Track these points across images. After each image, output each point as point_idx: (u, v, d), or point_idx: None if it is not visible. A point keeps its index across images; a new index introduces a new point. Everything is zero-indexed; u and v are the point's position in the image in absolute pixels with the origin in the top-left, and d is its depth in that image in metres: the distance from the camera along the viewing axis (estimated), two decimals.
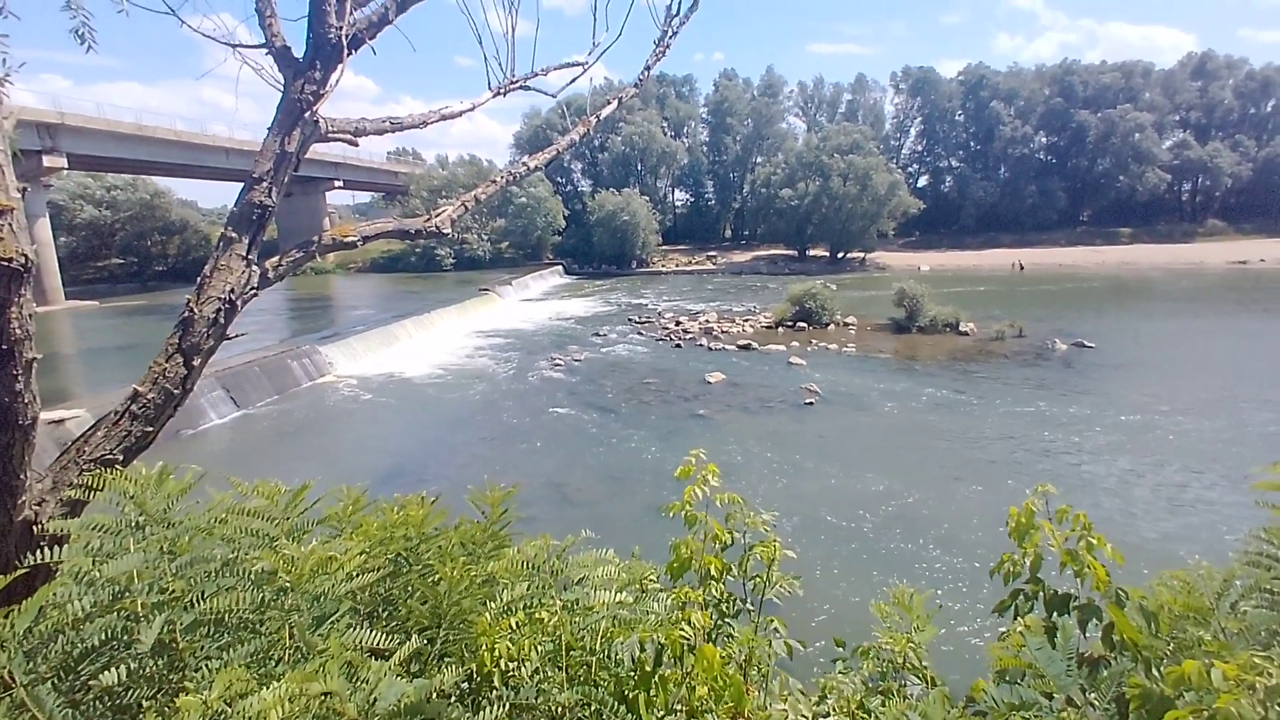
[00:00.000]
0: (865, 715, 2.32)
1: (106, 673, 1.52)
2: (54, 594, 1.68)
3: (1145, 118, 72.81)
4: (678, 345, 28.76)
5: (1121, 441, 15.67)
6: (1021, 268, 59.85)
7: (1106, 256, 64.07)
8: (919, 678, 2.60)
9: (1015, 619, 2.40)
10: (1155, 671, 1.82)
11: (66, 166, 42.14)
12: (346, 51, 2.71)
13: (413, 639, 1.67)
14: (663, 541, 2.99)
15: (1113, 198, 75.20)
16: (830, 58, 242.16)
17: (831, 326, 31.64)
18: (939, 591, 9.16)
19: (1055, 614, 2.31)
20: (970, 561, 10.28)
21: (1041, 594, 2.41)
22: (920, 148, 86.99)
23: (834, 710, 2.38)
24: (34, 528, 2.19)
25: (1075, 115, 75.00)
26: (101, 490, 2.01)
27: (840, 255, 65.21)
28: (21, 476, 2.16)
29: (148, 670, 1.67)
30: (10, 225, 1.93)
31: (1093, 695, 1.63)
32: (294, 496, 2.24)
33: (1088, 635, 2.19)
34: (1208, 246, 65.86)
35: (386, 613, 2.14)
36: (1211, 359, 24.56)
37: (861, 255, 64.99)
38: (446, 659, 1.87)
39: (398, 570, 2.25)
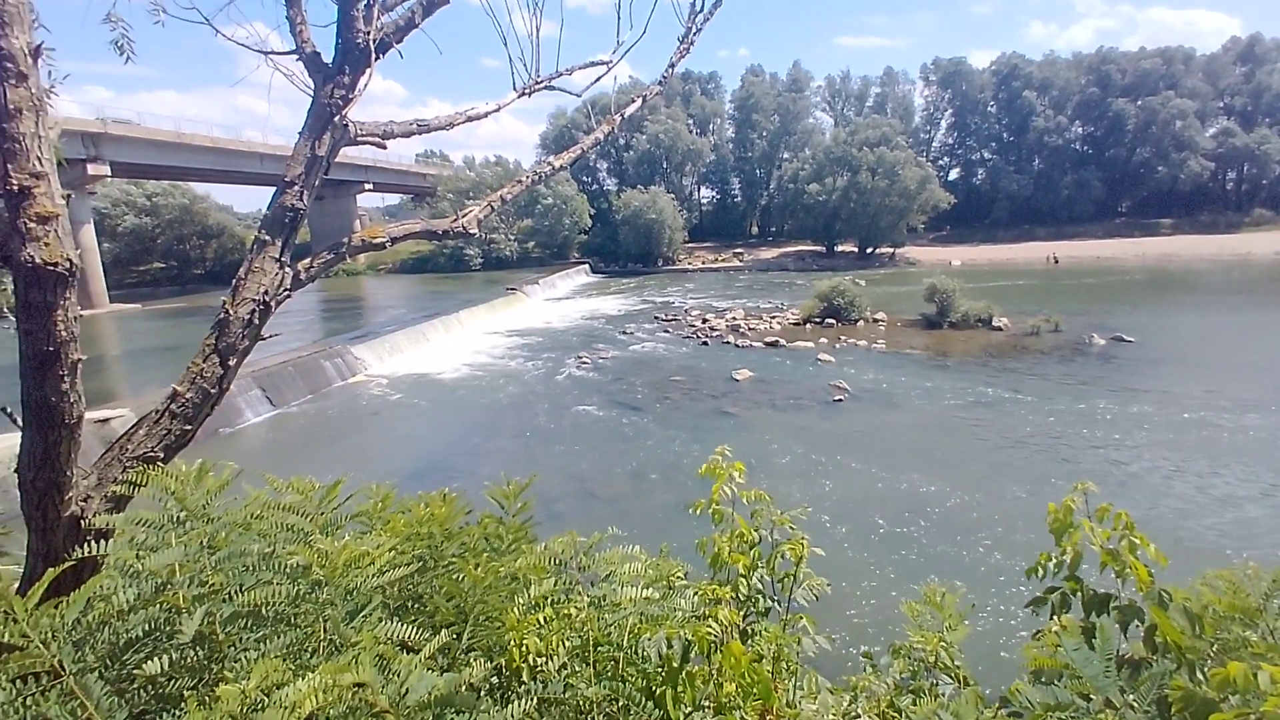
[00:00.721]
0: (896, 714, 2.29)
1: (150, 662, 1.57)
2: (100, 586, 1.74)
3: (1187, 105, 70.39)
4: (704, 343, 28.66)
5: (1165, 439, 15.21)
6: (1056, 261, 58.53)
7: (1147, 248, 62.22)
8: (951, 677, 2.56)
9: (1052, 618, 2.35)
10: (1199, 674, 1.76)
11: (110, 174, 43.58)
12: (374, 56, 2.75)
13: (441, 634, 1.70)
14: (689, 539, 2.98)
15: (1153, 188, 72.94)
16: (857, 51, 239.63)
17: (860, 323, 31.22)
18: (977, 590, 8.99)
19: (1094, 614, 2.25)
20: (1007, 561, 10.07)
21: (1080, 594, 2.35)
22: (951, 140, 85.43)
23: (864, 709, 2.35)
24: (81, 522, 2.27)
25: (1113, 104, 72.85)
26: (144, 486, 2.08)
27: (869, 251, 64.33)
28: (69, 473, 2.23)
29: (189, 660, 1.72)
30: (56, 231, 2.00)
31: (1132, 697, 1.59)
32: (327, 493, 2.28)
33: (1128, 637, 2.13)
34: (1255, 236, 63.47)
35: (416, 608, 2.17)
36: (1260, 354, 23.65)
37: (891, 250, 64.00)
38: (473, 653, 1.89)
39: (424, 567, 2.28)
